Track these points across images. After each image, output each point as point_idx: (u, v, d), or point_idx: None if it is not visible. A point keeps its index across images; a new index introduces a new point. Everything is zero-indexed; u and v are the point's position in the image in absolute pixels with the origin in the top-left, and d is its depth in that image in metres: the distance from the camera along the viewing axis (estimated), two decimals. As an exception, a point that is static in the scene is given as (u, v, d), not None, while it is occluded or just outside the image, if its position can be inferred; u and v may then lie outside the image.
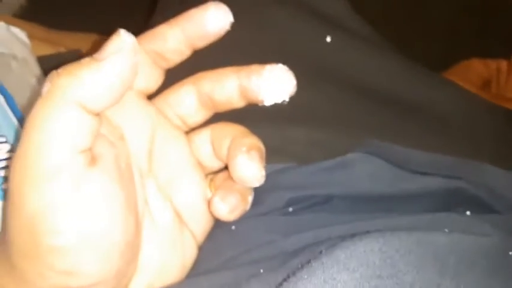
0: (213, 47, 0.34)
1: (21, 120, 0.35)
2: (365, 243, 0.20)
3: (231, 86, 0.24)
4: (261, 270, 0.23)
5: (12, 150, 0.33)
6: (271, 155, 0.30)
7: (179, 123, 0.26)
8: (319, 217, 0.28)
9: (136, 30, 0.48)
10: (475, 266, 0.21)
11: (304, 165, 0.29)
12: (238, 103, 0.25)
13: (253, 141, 0.24)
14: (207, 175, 0.26)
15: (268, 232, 0.27)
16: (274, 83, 0.24)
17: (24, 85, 0.38)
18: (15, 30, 0.43)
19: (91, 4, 0.78)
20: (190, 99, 0.25)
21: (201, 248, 0.26)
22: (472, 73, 0.68)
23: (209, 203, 0.24)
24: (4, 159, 0.32)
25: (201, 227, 0.26)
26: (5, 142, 0.33)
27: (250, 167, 0.23)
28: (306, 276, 0.20)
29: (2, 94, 0.35)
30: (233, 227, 0.27)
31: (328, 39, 0.34)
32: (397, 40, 0.46)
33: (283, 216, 0.28)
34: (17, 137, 0.34)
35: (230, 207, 0.23)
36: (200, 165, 0.26)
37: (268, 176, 0.28)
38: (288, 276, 0.21)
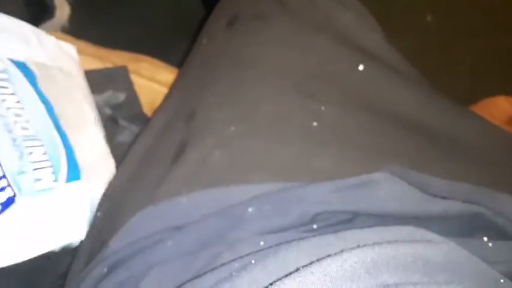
0: (259, 66, 0.37)
1: (58, 128, 0.38)
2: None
3: None
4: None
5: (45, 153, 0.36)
6: (296, 171, 0.32)
7: None
8: None
9: (182, 52, 0.51)
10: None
11: (330, 181, 0.30)
12: None
13: None
14: None
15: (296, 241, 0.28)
16: None
17: (67, 96, 0.41)
18: (64, 44, 0.46)
19: (136, 26, 0.83)
20: None
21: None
22: (497, 109, 0.69)
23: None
24: (38, 161, 0.35)
25: None
26: (41, 146, 0.36)
27: None
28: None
29: (43, 103, 0.38)
30: (262, 243, 0.29)
31: (361, 67, 0.37)
32: (422, 74, 0.48)
33: (308, 233, 0.30)
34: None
35: None
36: None
37: (294, 189, 0.30)
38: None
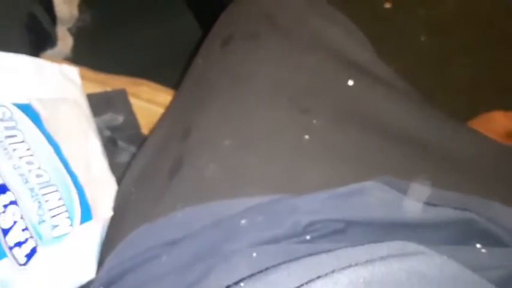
0: (252, 83, 0.38)
1: (68, 169, 0.38)
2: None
3: None
4: None
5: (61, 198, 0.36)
6: (288, 184, 0.32)
7: None
8: (335, 248, 0.29)
9: (178, 73, 0.52)
10: None
11: (322, 191, 0.30)
12: None
13: None
14: None
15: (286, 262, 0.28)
16: None
17: (74, 130, 0.41)
18: (66, 68, 0.45)
19: (133, 50, 0.85)
20: None
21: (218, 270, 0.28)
22: (494, 124, 0.70)
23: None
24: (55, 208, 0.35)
25: None
26: (56, 191, 0.36)
27: None
28: None
29: (51, 145, 0.38)
30: (254, 254, 0.29)
31: (350, 82, 0.37)
32: (418, 93, 0.49)
33: (302, 245, 0.30)
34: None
35: None
36: None
37: (285, 200, 0.31)
38: None
